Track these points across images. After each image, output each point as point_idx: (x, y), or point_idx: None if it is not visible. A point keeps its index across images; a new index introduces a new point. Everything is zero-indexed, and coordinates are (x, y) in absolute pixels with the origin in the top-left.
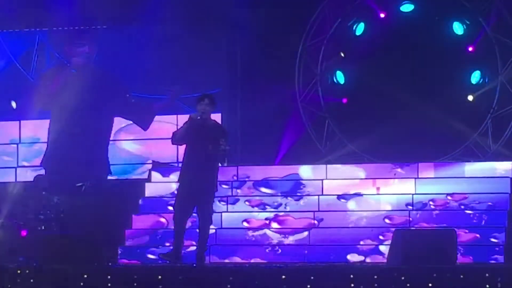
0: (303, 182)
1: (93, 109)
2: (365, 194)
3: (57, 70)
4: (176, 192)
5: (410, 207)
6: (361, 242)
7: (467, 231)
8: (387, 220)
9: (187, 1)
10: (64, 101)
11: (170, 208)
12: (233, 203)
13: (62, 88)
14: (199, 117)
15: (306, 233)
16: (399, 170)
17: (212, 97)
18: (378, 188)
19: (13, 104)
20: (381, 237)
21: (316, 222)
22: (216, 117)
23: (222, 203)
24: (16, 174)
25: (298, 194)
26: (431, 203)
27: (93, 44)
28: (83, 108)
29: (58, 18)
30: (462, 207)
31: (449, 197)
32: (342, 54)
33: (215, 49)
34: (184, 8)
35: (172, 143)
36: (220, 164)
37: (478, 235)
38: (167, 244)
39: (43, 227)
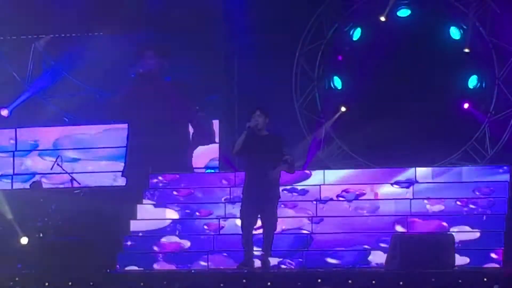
0: (301, 187)
1: (169, 118)
2: (363, 199)
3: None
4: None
5: (408, 212)
6: (359, 247)
7: (465, 236)
8: (384, 225)
9: (186, 10)
10: (142, 111)
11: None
12: (232, 208)
13: (140, 98)
14: (249, 126)
15: (304, 237)
16: (396, 187)
17: (264, 109)
18: (376, 194)
19: (4, 112)
20: (381, 244)
21: (313, 227)
22: (214, 124)
23: (221, 207)
24: (12, 182)
25: (296, 199)
26: (428, 207)
27: (163, 55)
28: (160, 117)
29: (53, 25)
30: (462, 210)
31: (447, 202)
32: (340, 57)
33: (212, 56)
34: (183, 17)
35: (233, 154)
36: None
37: (476, 240)
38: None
39: (41, 234)
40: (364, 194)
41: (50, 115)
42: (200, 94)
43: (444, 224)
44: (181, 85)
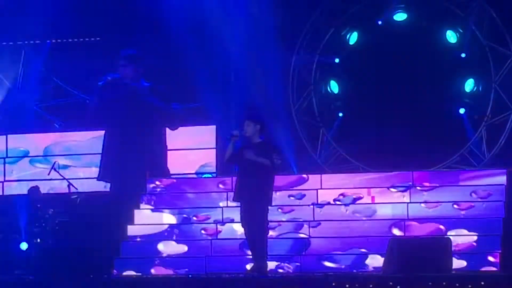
0: (298, 191)
1: (143, 122)
2: (360, 203)
3: (109, 85)
4: None
5: (405, 216)
6: (356, 251)
7: (462, 239)
8: (381, 229)
9: (182, 14)
10: (117, 116)
11: None
12: (228, 213)
13: (115, 103)
14: (232, 135)
15: (300, 241)
16: (393, 190)
17: (253, 118)
18: (373, 197)
19: None
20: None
21: (310, 231)
22: (211, 129)
23: (218, 212)
24: (4, 188)
25: (293, 203)
26: (426, 210)
27: (138, 64)
28: (134, 121)
29: (45, 30)
30: (460, 214)
31: (443, 206)
32: (337, 60)
33: (209, 59)
34: (181, 18)
35: (225, 163)
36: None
37: (473, 243)
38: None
39: (38, 240)
40: (361, 198)
41: (41, 121)
42: (178, 99)
43: (442, 227)
44: (157, 91)
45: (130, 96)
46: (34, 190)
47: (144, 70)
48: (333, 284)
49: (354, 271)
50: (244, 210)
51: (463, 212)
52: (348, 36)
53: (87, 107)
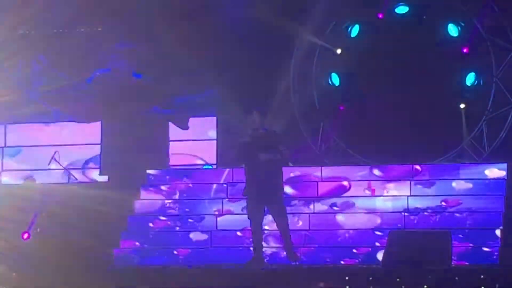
0: (298, 184)
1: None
2: (360, 196)
3: (99, 80)
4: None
5: (405, 209)
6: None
7: (461, 235)
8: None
9: (184, 3)
10: (112, 109)
11: None
12: (228, 205)
13: (109, 97)
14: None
15: (301, 234)
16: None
17: (259, 109)
18: (373, 190)
19: None
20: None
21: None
22: (211, 120)
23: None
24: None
25: (293, 196)
26: (426, 204)
27: (130, 57)
28: (135, 113)
29: (45, 20)
30: (458, 213)
31: (444, 200)
32: (339, 51)
33: (209, 51)
34: (181, 7)
35: (237, 164)
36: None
37: (473, 237)
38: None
39: (38, 230)
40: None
41: (39, 111)
42: (174, 91)
43: (441, 221)
44: (151, 83)
45: (126, 90)
46: (29, 181)
47: (136, 63)
48: (333, 276)
49: (354, 263)
50: (260, 200)
51: (463, 205)
52: (349, 29)
53: (80, 102)
